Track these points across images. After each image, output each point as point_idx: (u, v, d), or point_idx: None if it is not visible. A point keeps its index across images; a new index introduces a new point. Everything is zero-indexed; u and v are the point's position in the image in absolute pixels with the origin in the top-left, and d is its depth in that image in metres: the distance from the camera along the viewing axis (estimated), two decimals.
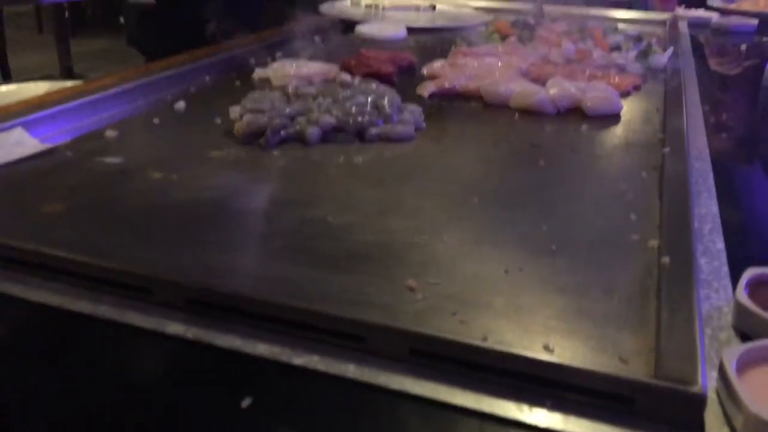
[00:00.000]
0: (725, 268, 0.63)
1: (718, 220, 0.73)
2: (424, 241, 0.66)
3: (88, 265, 0.57)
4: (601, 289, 0.58)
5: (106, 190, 0.76)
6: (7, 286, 0.57)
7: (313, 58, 1.40)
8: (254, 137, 0.90)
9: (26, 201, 0.73)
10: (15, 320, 0.56)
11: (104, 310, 0.54)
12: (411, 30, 1.72)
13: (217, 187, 0.76)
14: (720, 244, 0.67)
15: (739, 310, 0.54)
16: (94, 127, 0.95)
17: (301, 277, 0.58)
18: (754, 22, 1.93)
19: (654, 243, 0.66)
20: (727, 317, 0.55)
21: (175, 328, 0.52)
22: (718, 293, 0.59)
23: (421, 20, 1.88)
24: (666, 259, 0.60)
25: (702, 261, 0.64)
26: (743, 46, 1.77)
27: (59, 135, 0.91)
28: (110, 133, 0.91)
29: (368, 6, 2.00)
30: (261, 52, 1.43)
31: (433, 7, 1.97)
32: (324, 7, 1.88)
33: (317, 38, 1.63)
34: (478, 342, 0.49)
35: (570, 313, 0.55)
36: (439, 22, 1.87)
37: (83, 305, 0.55)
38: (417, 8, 1.96)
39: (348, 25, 1.75)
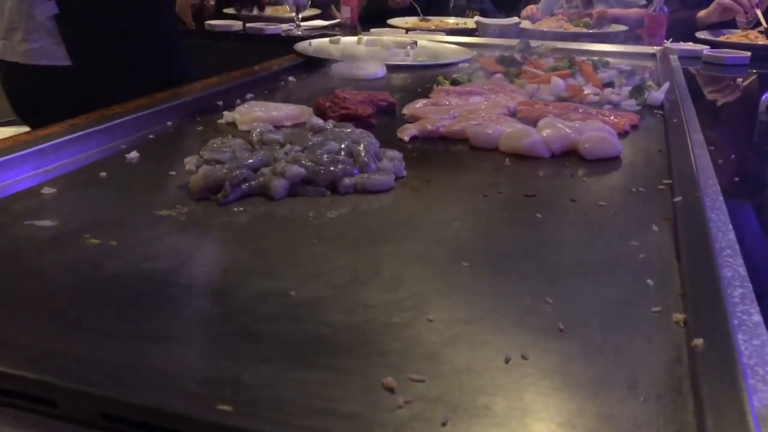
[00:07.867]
0: None
1: (749, 284, 0.62)
2: (405, 320, 0.55)
3: None
4: (623, 384, 0.47)
5: (30, 262, 0.64)
6: None
7: (286, 99, 1.31)
8: (211, 192, 0.78)
9: None
10: None
11: None
12: (390, 68, 1.63)
13: (161, 256, 0.65)
14: (756, 316, 0.57)
15: None
16: (32, 183, 0.83)
17: (252, 376, 0.47)
18: (747, 54, 1.86)
19: (679, 317, 0.56)
20: None
21: None
22: (767, 383, 0.48)
23: (401, 57, 1.79)
24: (699, 342, 0.50)
25: (739, 339, 0.53)
26: (739, 79, 1.70)
27: None
28: (48, 191, 0.80)
29: (347, 44, 1.91)
30: (230, 93, 1.33)
31: (414, 44, 1.88)
32: (299, 46, 1.79)
33: (291, 78, 1.54)
34: None
35: (588, 418, 0.44)
36: (421, 60, 1.78)
37: None
38: (397, 45, 1.87)
39: (325, 65, 1.66)
